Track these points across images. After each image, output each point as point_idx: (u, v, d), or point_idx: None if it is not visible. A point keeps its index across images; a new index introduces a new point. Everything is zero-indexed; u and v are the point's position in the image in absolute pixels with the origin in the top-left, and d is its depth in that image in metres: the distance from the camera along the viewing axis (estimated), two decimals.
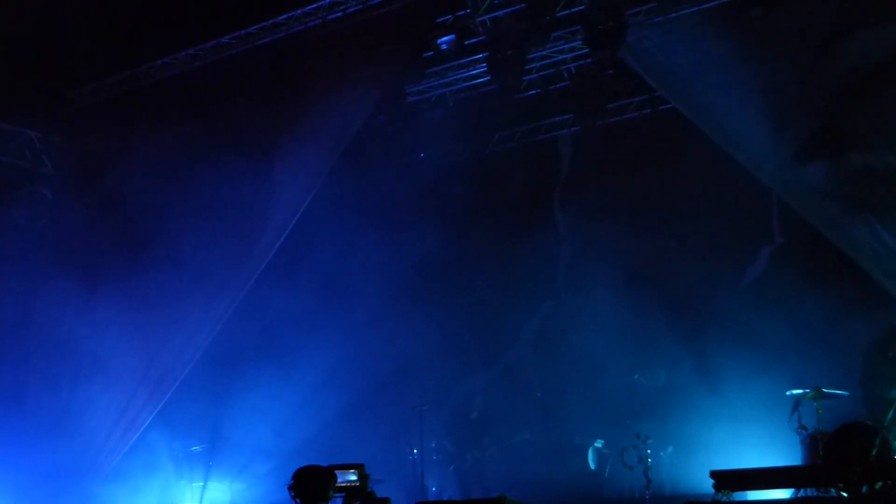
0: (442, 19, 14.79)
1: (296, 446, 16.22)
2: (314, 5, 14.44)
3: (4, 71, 15.27)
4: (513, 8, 14.39)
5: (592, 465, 15.16)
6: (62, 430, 15.13)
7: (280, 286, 16.36)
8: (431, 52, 15.45)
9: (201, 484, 15.76)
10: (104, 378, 15.29)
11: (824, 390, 12.08)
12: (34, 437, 15.04)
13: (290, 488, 7.95)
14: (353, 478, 10.07)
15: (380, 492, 15.87)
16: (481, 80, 16.41)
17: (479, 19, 14.81)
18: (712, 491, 10.15)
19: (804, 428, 12.04)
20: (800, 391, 12.20)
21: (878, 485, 10.33)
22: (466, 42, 15.08)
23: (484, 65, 15.54)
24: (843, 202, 12.49)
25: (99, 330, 15.27)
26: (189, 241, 15.18)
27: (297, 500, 7.87)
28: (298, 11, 14.53)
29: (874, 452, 10.82)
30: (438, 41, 15.02)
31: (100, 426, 15.32)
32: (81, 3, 14.50)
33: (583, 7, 13.86)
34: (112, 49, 15.80)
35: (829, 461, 11.19)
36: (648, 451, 13.39)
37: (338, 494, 9.33)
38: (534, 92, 16.84)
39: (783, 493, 11.18)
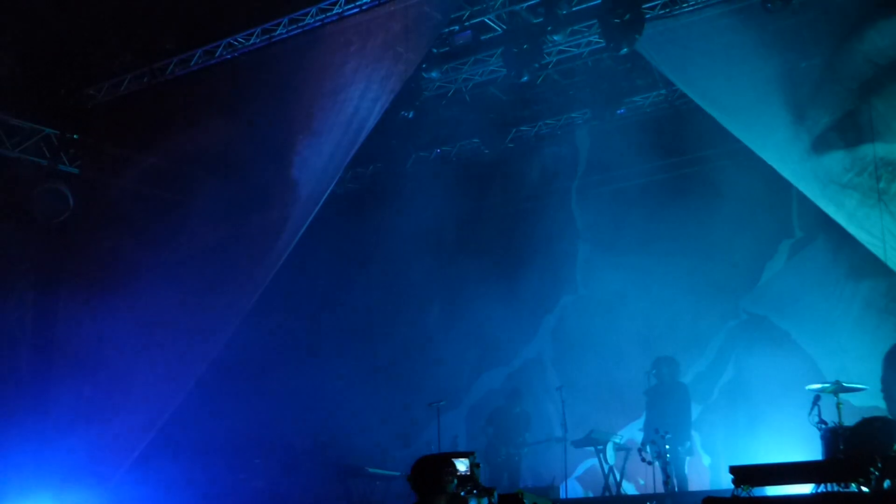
0: (457, 14, 14.74)
1: (313, 441, 16.31)
2: (329, 1, 14.41)
3: (22, 68, 15.32)
4: (529, 2, 14.32)
5: (611, 460, 15.10)
6: (83, 425, 15.16)
7: (294, 282, 16.38)
8: (447, 48, 15.42)
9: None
10: (123, 374, 15.33)
11: (844, 384, 12.00)
12: (55, 432, 15.07)
13: (408, 479, 7.91)
14: (464, 468, 9.95)
15: (395, 487, 16.04)
16: (497, 74, 16.36)
17: (495, 13, 14.75)
18: (732, 486, 10.08)
19: (824, 422, 11.92)
20: (820, 385, 12.11)
21: None
22: (482, 37, 15.05)
23: (500, 59, 15.50)
24: (861, 193, 12.41)
25: (119, 327, 15.30)
26: (206, 239, 15.22)
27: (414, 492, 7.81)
28: (314, 7, 14.49)
29: (895, 447, 10.74)
30: (454, 36, 15.00)
31: (112, 430, 15.34)
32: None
33: (599, 0, 13.79)
34: (129, 46, 15.83)
35: (849, 456, 11.11)
36: (667, 446, 13.31)
37: None
38: (550, 86, 16.79)
39: (803, 489, 11.10)
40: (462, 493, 9.43)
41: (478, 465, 10.10)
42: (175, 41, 15.67)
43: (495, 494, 9.14)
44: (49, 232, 16.02)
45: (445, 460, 8.09)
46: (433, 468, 7.90)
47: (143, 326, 15.34)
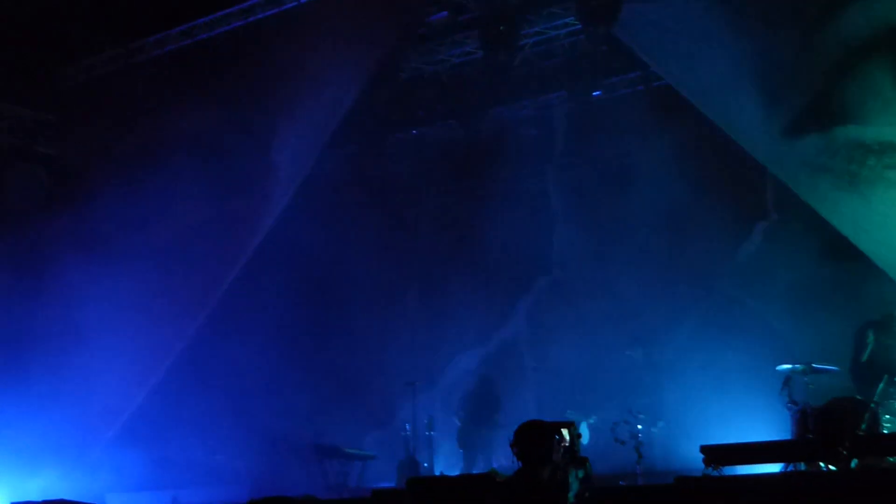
0: None
1: (289, 422, 16.34)
2: None
3: None
4: None
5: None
6: (63, 399, 15.16)
7: (274, 263, 16.39)
8: (424, 29, 15.40)
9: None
10: (102, 351, 15.33)
11: (815, 366, 12.13)
12: (35, 406, 15.07)
13: (512, 445, 7.46)
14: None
15: (371, 467, 16.11)
16: (474, 56, 16.36)
17: None
18: (702, 465, 10.18)
19: (794, 403, 12.06)
20: (790, 366, 12.24)
21: (866, 459, 10.40)
22: (459, 17, 15.04)
23: (477, 41, 15.49)
24: (833, 175, 12.47)
25: (92, 304, 15.29)
26: (183, 221, 15.20)
27: (520, 461, 7.35)
28: None
29: (863, 427, 10.88)
30: (431, 17, 14.99)
31: (90, 405, 15.35)
32: None
33: None
34: (105, 26, 15.73)
35: (818, 436, 11.24)
36: (640, 426, 13.44)
37: None
38: (527, 68, 16.81)
39: (773, 468, 11.22)
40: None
41: (579, 436, 9.60)
42: (152, 21, 15.60)
43: (588, 465, 8.68)
44: (25, 213, 15.96)
45: (555, 428, 7.57)
46: (542, 436, 7.43)
47: (121, 306, 15.33)
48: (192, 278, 15.41)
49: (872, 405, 11.06)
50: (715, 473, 10.08)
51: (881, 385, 11.38)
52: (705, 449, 10.30)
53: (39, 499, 9.83)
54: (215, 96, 15.09)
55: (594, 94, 16.61)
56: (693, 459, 10.70)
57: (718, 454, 10.25)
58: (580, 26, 14.76)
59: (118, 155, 15.88)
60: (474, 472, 15.34)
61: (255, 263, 15.86)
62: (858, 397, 11.42)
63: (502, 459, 15.51)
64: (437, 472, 15.94)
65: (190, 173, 15.21)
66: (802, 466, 11.05)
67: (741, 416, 13.23)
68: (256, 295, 16.78)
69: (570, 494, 8.00)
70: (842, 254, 13.59)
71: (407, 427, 15.81)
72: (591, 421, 15.19)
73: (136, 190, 15.61)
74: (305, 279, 17.95)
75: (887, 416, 11.28)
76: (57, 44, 15.77)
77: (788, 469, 11.00)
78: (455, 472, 15.35)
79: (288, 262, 16.83)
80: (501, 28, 14.50)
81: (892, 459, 10.35)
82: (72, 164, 16.48)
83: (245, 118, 15.09)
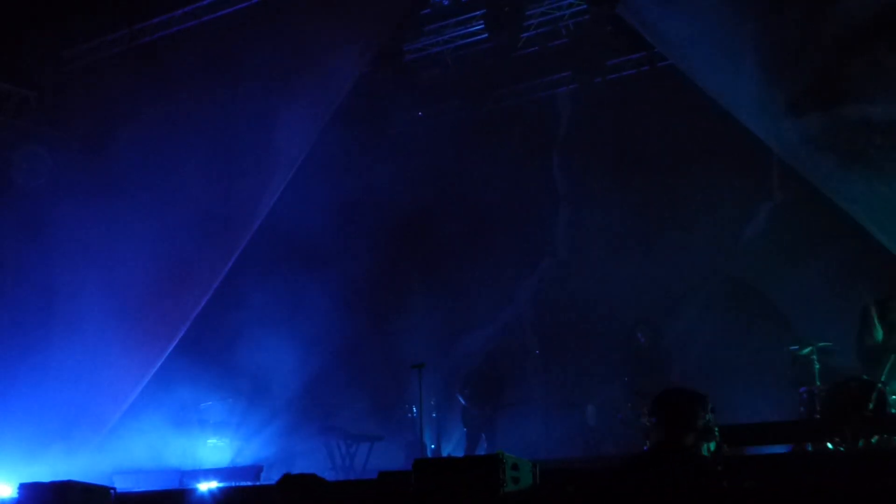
0: None
1: (295, 404, 16.35)
2: None
3: (1, 30, 15.19)
4: None
5: (591, 422, 15.24)
6: (63, 386, 15.19)
7: (277, 245, 16.40)
8: (429, 10, 15.37)
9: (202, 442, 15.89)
10: (104, 335, 15.34)
11: (822, 346, 12.12)
12: (42, 388, 15.10)
13: (653, 413, 7.07)
14: None
15: (378, 449, 16.12)
16: (479, 37, 16.32)
17: None
18: None
19: (801, 383, 12.07)
20: (797, 347, 12.23)
21: (874, 439, 10.40)
22: None
23: (482, 22, 15.46)
24: (838, 154, 12.41)
25: (98, 287, 15.30)
26: (187, 202, 15.20)
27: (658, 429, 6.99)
28: None
29: (870, 407, 10.86)
30: None
31: (101, 382, 15.40)
32: None
33: None
34: (109, 7, 15.71)
35: (826, 416, 11.25)
36: (646, 408, 13.43)
37: None
38: (532, 49, 16.77)
39: (781, 448, 11.23)
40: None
41: (713, 410, 9.28)
42: (155, 3, 15.58)
43: (717, 432, 8.23)
44: (27, 195, 15.95)
45: (700, 396, 7.13)
46: (688, 403, 7.04)
47: (126, 287, 15.36)
48: (196, 260, 15.42)
49: (879, 385, 11.04)
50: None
51: (888, 365, 11.35)
52: None
53: (48, 480, 9.83)
54: (217, 79, 15.08)
55: (599, 75, 16.57)
56: None
57: (727, 435, 10.21)
58: (585, 6, 14.70)
59: (120, 137, 15.85)
60: (478, 452, 15.38)
61: (256, 244, 15.85)
62: (865, 377, 11.39)
63: (506, 441, 15.54)
64: (444, 454, 15.97)
65: (191, 155, 15.21)
66: (810, 447, 11.07)
67: (748, 396, 13.23)
68: (260, 276, 16.78)
69: None
70: (847, 234, 13.56)
71: (414, 409, 15.82)
72: (597, 403, 15.19)
73: (139, 171, 15.62)
74: (310, 261, 17.95)
75: (894, 397, 11.25)
76: (61, 25, 15.74)
77: (796, 449, 11.01)
78: (462, 454, 15.39)
79: (291, 244, 16.82)
80: (506, 9, 14.52)
81: None
82: (74, 146, 16.46)
83: (248, 99, 15.07)
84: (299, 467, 13.50)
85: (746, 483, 7.30)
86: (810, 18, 12.51)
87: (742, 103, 13.36)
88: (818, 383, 11.78)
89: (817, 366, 12.00)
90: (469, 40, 16.60)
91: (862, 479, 7.92)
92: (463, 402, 15.95)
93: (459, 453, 15.66)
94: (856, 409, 10.75)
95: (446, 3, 15.18)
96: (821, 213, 13.90)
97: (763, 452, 10.69)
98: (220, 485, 12.16)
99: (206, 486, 10.96)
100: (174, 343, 15.40)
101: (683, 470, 6.85)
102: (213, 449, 15.98)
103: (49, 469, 12.38)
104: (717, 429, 7.28)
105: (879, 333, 11.81)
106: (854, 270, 13.66)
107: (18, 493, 9.91)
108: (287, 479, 9.02)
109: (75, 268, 15.56)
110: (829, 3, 12.36)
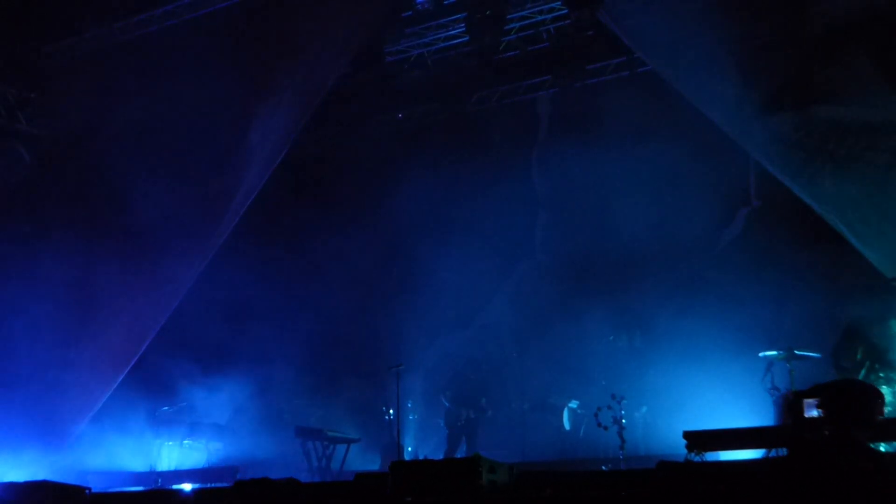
0: None
1: (271, 407, 16.31)
2: None
3: None
4: None
5: (567, 426, 15.27)
6: (29, 393, 15.09)
7: (254, 246, 16.36)
8: (410, 12, 15.37)
9: (178, 444, 15.83)
10: (74, 336, 15.27)
11: (796, 352, 12.19)
12: (16, 389, 15.00)
13: (822, 405, 6.80)
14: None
15: (356, 451, 16.11)
16: (460, 40, 16.34)
17: None
18: (685, 451, 10.23)
19: (776, 389, 12.14)
20: (773, 352, 12.30)
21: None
22: (445, 2, 15.01)
23: (463, 25, 15.47)
24: (808, 153, 12.50)
25: (70, 287, 15.22)
26: (163, 201, 15.14)
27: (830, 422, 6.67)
28: None
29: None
30: (416, 0, 14.96)
31: (69, 386, 15.31)
32: None
33: None
34: (89, 5, 15.64)
35: (827, 418, 11.23)
36: (623, 411, 13.48)
37: None
38: (512, 53, 16.79)
39: (755, 453, 11.28)
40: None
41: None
42: (135, 1, 15.53)
43: None
44: (4, 191, 15.86)
45: (879, 392, 6.85)
46: (868, 398, 6.84)
47: (101, 286, 15.28)
48: (171, 257, 15.38)
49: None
50: (697, 459, 10.13)
51: (863, 371, 11.40)
52: (688, 434, 10.34)
53: (23, 480, 9.80)
54: (197, 77, 15.04)
55: (579, 79, 16.61)
56: (676, 445, 10.75)
57: (701, 439, 10.30)
58: (566, 11, 14.73)
59: (99, 135, 15.79)
60: (457, 454, 15.39)
61: (232, 244, 15.82)
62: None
63: (485, 444, 15.57)
64: (420, 457, 15.97)
65: (169, 154, 15.16)
66: (784, 452, 11.11)
67: (724, 401, 13.30)
68: (235, 276, 16.74)
69: None
70: (822, 239, 13.65)
71: (391, 411, 15.81)
72: (574, 406, 15.23)
73: (116, 169, 15.55)
74: (286, 260, 17.93)
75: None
76: (41, 22, 15.66)
77: (770, 455, 11.05)
78: (439, 456, 15.39)
79: (266, 243, 16.79)
80: (487, 12, 14.51)
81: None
82: (54, 143, 16.39)
83: (227, 98, 15.03)
84: (276, 469, 13.44)
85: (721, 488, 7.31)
86: (787, 23, 12.60)
87: (716, 104, 13.44)
88: (793, 389, 11.83)
89: (793, 371, 12.07)
90: (450, 43, 16.60)
91: (836, 485, 7.91)
92: (446, 403, 15.96)
93: (438, 456, 15.66)
94: (862, 414, 10.71)
95: (428, 5, 15.14)
96: (797, 219, 13.99)
97: (738, 459, 10.72)
98: (196, 486, 12.13)
99: (182, 487, 10.94)
100: (146, 344, 15.33)
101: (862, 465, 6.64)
102: (188, 450, 15.91)
103: (23, 470, 12.35)
104: None
105: (859, 354, 11.84)
106: (829, 275, 13.75)
107: None
108: (264, 482, 9.02)
109: (50, 266, 15.46)
110: (806, 7, 12.45)
